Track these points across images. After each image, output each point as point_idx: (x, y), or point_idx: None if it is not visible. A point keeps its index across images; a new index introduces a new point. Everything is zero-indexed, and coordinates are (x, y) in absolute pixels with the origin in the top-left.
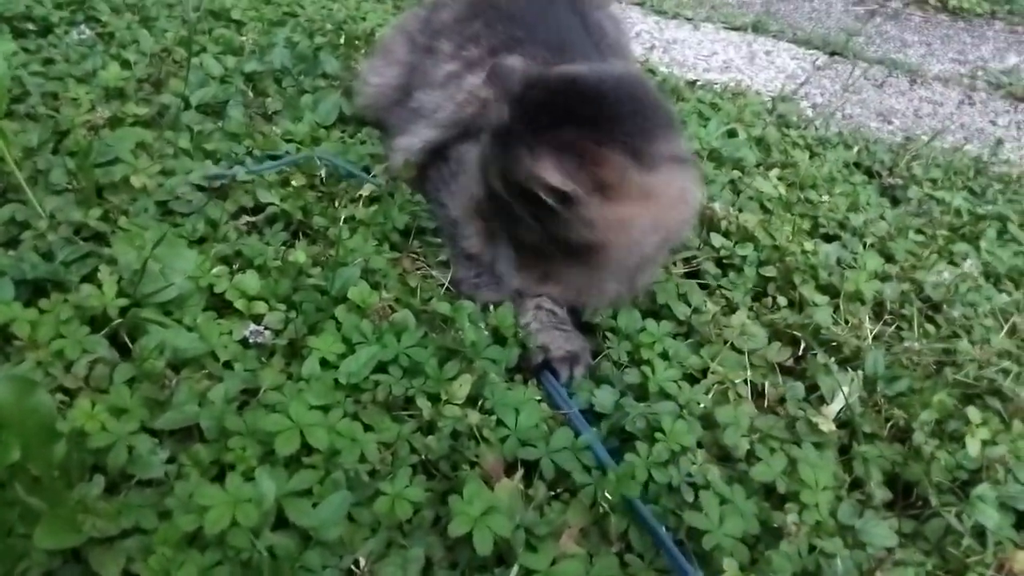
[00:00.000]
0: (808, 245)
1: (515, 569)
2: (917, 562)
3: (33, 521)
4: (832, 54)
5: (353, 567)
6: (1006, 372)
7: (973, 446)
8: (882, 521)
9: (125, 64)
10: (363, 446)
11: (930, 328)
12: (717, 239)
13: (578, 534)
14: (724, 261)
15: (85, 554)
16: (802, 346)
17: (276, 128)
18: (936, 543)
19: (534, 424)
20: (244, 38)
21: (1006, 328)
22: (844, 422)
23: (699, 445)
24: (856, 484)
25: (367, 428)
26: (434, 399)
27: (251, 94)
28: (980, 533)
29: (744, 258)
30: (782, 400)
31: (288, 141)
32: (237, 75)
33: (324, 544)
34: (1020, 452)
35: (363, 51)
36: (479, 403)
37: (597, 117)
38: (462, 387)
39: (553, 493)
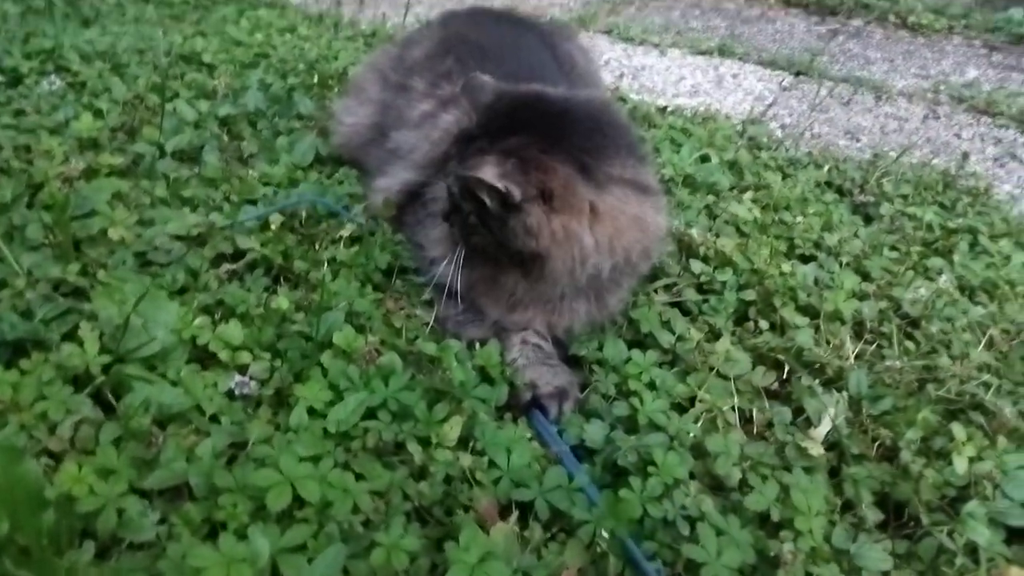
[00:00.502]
0: (786, 267)
1: None
2: None
3: None
4: (798, 74)
5: None
6: (987, 386)
7: (960, 463)
8: (876, 544)
9: (98, 113)
10: (355, 496)
11: (910, 345)
12: (696, 265)
13: (576, 575)
14: (704, 287)
15: None
16: (786, 369)
17: (253, 171)
18: (930, 563)
19: (526, 463)
20: (216, 81)
21: (984, 341)
22: (832, 444)
23: (691, 476)
24: (848, 506)
25: (358, 477)
26: (425, 443)
27: (226, 138)
28: (972, 550)
29: (724, 283)
30: (770, 425)
31: (266, 184)
32: (211, 119)
33: None
34: (1006, 467)
35: (336, 90)
36: (470, 444)
37: (553, 131)
38: (452, 429)
39: (549, 534)
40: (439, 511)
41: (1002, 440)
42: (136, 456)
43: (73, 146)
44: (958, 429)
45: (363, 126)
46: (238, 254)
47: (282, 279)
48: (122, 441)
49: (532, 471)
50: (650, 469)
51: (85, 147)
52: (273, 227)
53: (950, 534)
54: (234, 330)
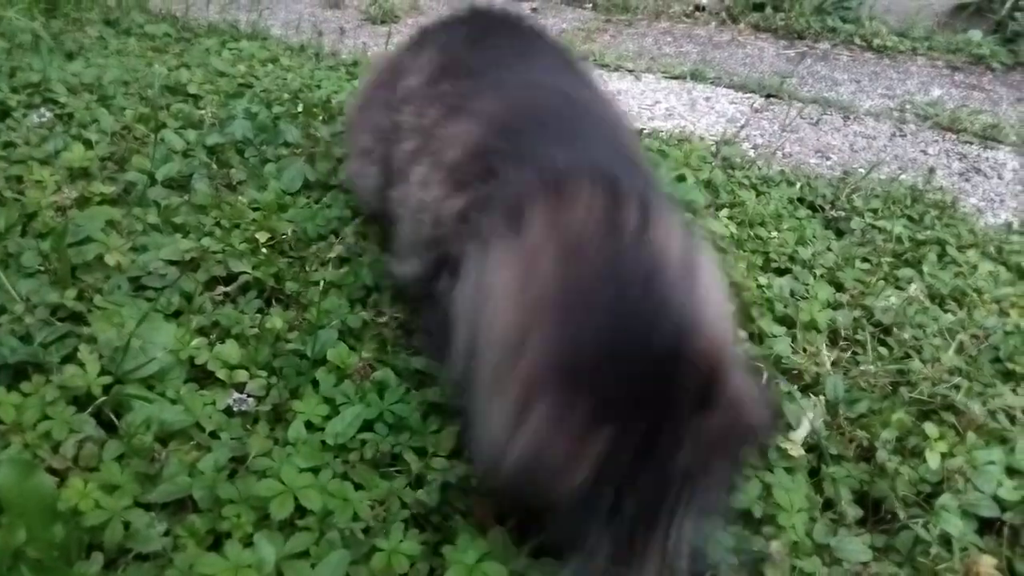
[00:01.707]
0: (763, 280)
1: None
2: (891, 573)
3: None
4: (768, 96)
5: None
6: (957, 387)
7: (933, 460)
8: (855, 537)
9: (87, 144)
10: (355, 504)
11: (883, 351)
12: None
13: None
14: None
15: None
16: (764, 376)
17: (242, 198)
18: (907, 554)
19: None
20: (203, 111)
21: (954, 346)
22: (811, 446)
23: None
24: (828, 504)
25: (357, 487)
26: (421, 453)
27: (215, 166)
28: (947, 541)
29: None
30: None
31: (255, 210)
32: (200, 148)
33: None
34: (976, 462)
35: (320, 118)
36: (465, 454)
37: None
38: (447, 439)
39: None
40: (436, 517)
41: (972, 437)
42: (139, 472)
43: (64, 176)
44: (930, 428)
45: (378, 188)
46: (231, 277)
47: (274, 300)
48: (125, 457)
49: None
50: None
51: (76, 176)
52: (264, 251)
53: (925, 526)
54: (230, 349)
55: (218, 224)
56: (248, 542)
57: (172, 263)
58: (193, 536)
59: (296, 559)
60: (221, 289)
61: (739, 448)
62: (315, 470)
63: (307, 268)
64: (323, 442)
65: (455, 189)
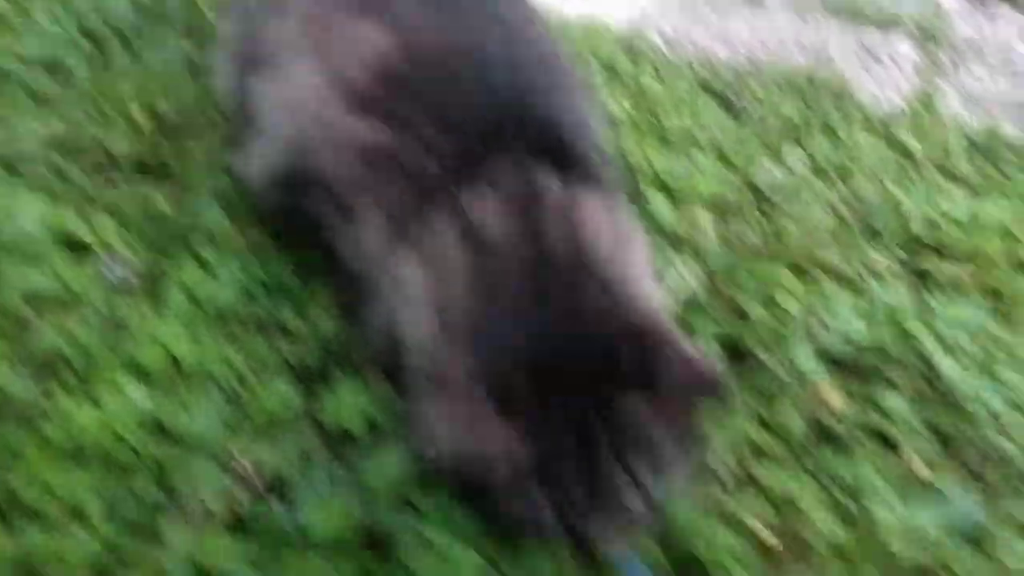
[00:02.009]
0: (655, 157)
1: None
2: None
3: None
4: None
5: (235, 466)
6: (827, 248)
7: (791, 305)
8: None
9: None
10: (233, 360)
11: (764, 221)
12: None
13: None
14: None
15: None
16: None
17: (120, 78)
18: (762, 390)
19: None
20: None
21: (831, 215)
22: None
23: None
24: None
25: (237, 347)
26: (303, 316)
27: (90, 46)
28: (800, 377)
29: None
30: None
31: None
32: (73, 27)
33: (198, 445)
34: (831, 306)
35: None
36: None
37: None
38: (328, 300)
39: None
40: (317, 373)
41: (831, 286)
42: (10, 335)
43: None
44: (788, 276)
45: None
46: (109, 157)
47: (154, 179)
48: None
49: None
50: None
51: None
52: (146, 132)
53: (782, 365)
54: (106, 221)
55: (95, 105)
56: (117, 391)
57: (48, 144)
58: (66, 391)
59: (168, 408)
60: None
61: (689, 413)
62: (193, 333)
63: (188, 147)
64: (202, 309)
65: (355, 112)
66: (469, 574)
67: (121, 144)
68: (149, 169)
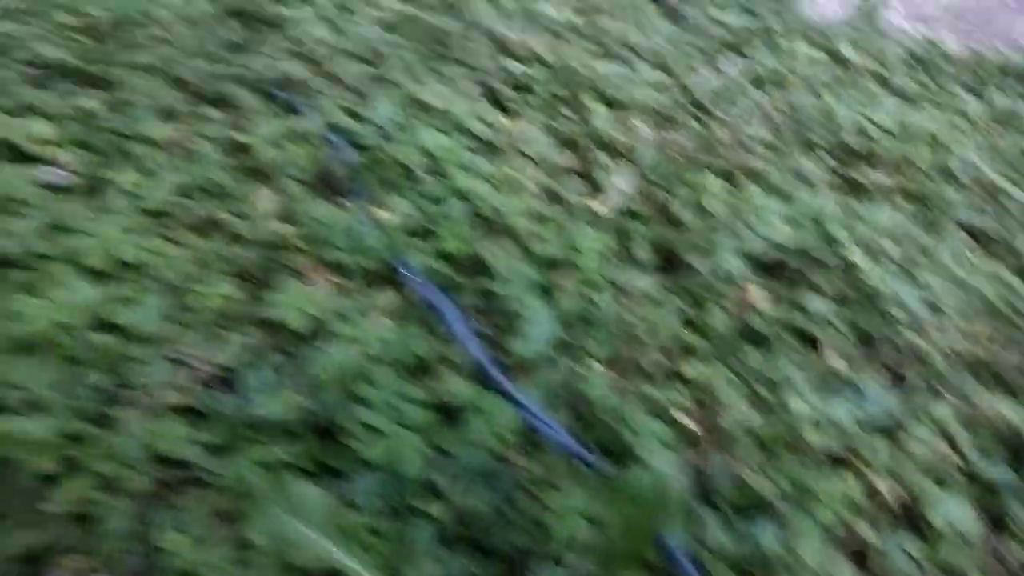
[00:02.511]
0: (596, 65)
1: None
2: (670, 301)
3: None
4: None
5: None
6: (758, 155)
7: (719, 208)
8: (642, 274)
9: None
10: (173, 259)
11: (697, 127)
12: (512, 64)
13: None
14: (518, 84)
15: None
16: (584, 150)
17: None
18: (692, 292)
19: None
20: None
21: (762, 120)
22: (624, 211)
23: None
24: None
25: (176, 246)
26: (241, 216)
27: None
28: (727, 278)
29: (536, 79)
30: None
31: None
32: None
33: (146, 339)
34: (758, 211)
35: None
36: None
37: None
38: (266, 203)
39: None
40: (259, 273)
41: (757, 190)
42: None
43: None
44: (712, 181)
45: None
46: (39, 62)
47: (87, 84)
48: None
49: (354, 238)
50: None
51: None
52: (74, 34)
53: (712, 270)
54: (42, 127)
55: (22, 10)
56: (65, 288)
57: None
58: (14, 287)
59: (115, 302)
60: (31, 72)
61: None
62: (133, 232)
63: (117, 50)
64: (141, 209)
65: None
66: (409, 454)
67: (50, 47)
68: (83, 75)
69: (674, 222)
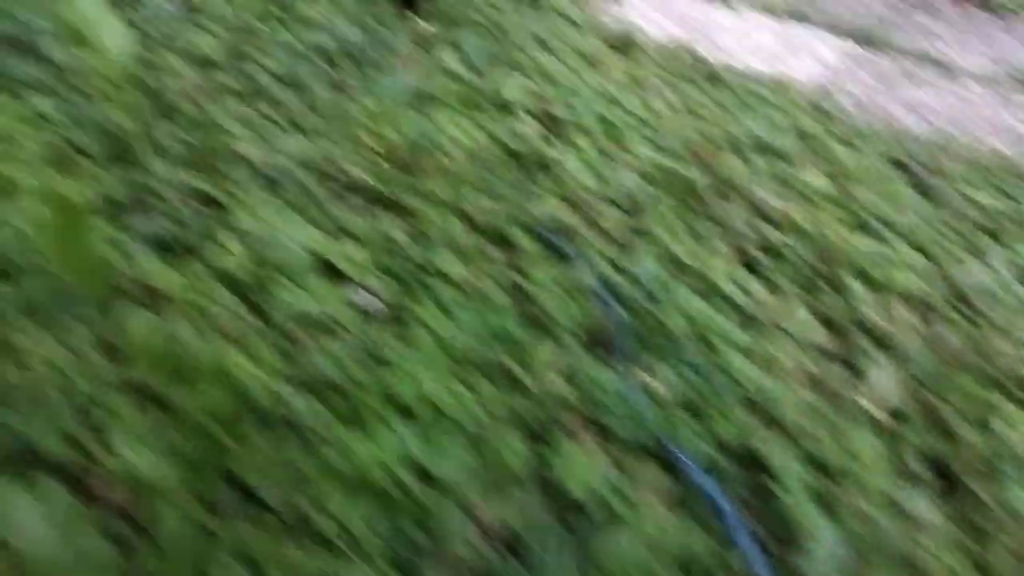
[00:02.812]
0: (851, 237)
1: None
2: (949, 530)
3: None
4: (868, 44)
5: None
6: None
7: (1000, 429)
8: (921, 494)
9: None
10: (470, 407)
11: (967, 325)
12: (767, 228)
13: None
14: (772, 249)
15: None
16: (844, 331)
17: (354, 104)
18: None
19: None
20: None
21: None
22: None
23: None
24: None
25: (475, 394)
26: (525, 367)
27: (324, 65)
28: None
29: (791, 247)
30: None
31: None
32: (309, 47)
33: (455, 495)
34: None
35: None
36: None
37: None
38: (547, 356)
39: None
40: (538, 428)
41: None
42: (284, 354)
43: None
44: (998, 397)
45: None
46: (347, 180)
47: (384, 207)
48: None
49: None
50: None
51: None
52: (378, 158)
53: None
54: (354, 249)
55: (334, 128)
56: (386, 424)
57: (297, 162)
58: (340, 418)
59: (428, 449)
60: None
61: None
62: (438, 372)
63: (409, 175)
64: (442, 347)
65: None
66: None
67: (357, 169)
68: (381, 197)
69: (947, 434)
